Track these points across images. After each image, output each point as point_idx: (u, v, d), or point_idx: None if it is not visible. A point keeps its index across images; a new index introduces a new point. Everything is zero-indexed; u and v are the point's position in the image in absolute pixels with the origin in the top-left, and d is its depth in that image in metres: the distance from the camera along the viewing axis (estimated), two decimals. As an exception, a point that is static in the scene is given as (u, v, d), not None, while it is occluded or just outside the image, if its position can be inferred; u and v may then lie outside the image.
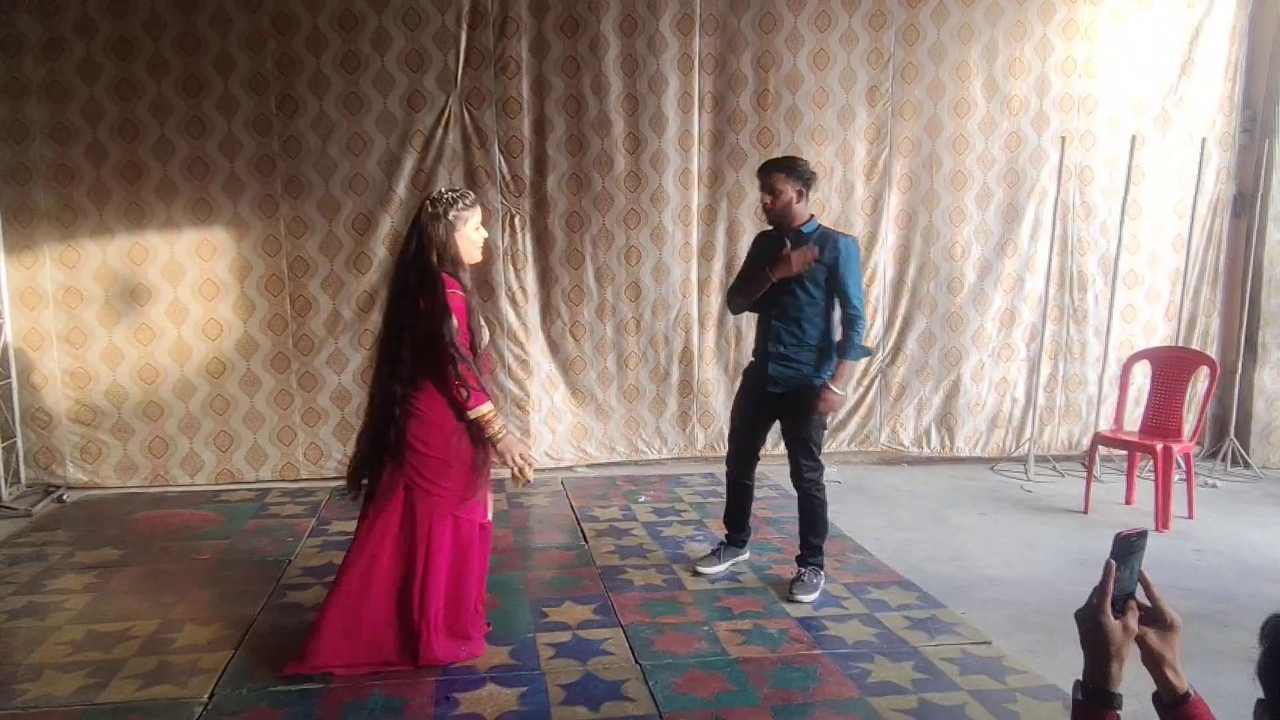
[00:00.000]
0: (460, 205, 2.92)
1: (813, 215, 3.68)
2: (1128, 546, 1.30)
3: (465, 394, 2.81)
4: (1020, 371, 6.08)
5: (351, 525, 4.42)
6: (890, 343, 5.98)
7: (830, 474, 5.63)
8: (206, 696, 2.72)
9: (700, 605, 3.56)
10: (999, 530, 4.78)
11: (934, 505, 5.22)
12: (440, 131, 5.34)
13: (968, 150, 5.85)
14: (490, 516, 3.13)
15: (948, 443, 6.08)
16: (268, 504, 4.92)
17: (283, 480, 5.40)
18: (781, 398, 3.67)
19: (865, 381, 6.02)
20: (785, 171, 3.55)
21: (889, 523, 4.86)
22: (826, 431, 3.80)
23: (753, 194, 5.69)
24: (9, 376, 5.02)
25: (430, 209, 2.89)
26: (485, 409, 2.86)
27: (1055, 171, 5.75)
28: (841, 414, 5.98)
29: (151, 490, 5.22)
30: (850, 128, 5.74)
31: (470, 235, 2.96)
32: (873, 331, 5.92)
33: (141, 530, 4.42)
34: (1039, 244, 5.94)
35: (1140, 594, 1.29)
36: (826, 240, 3.56)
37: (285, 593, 3.60)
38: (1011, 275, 5.98)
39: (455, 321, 2.80)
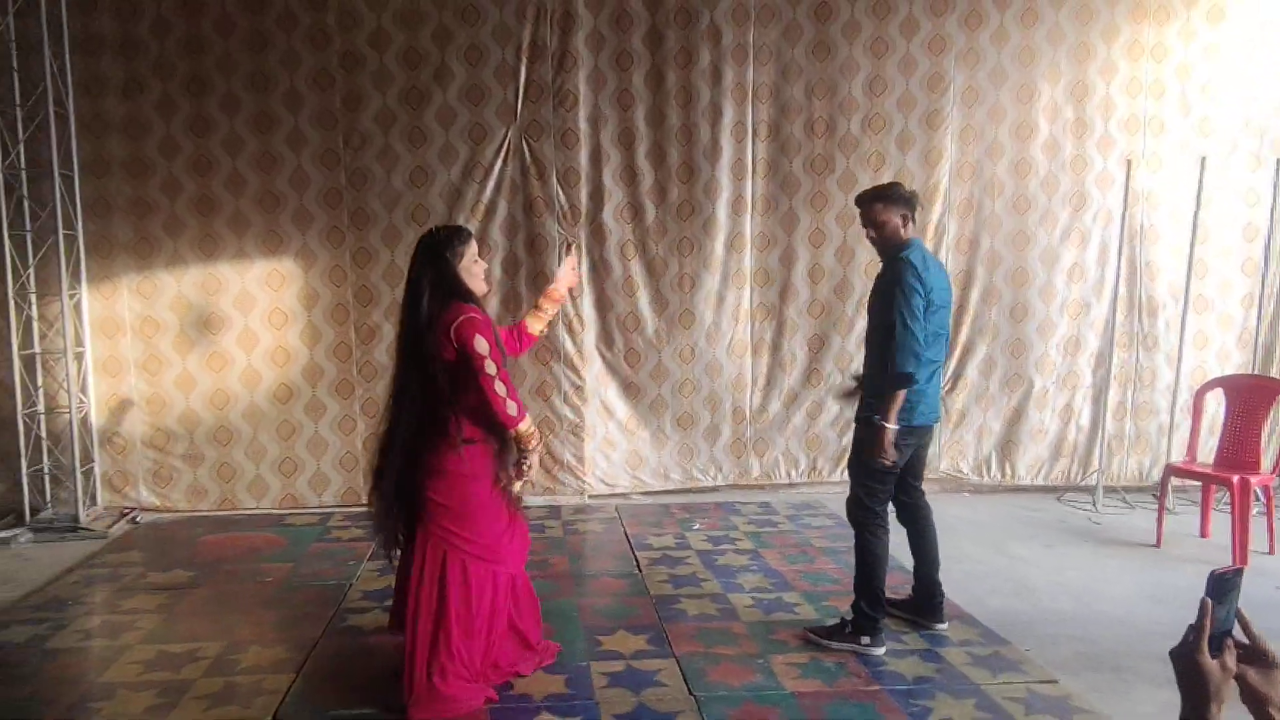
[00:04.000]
0: (458, 240, 2.92)
1: (916, 238, 3.46)
2: (1224, 585, 1.25)
3: (514, 409, 2.81)
4: (1085, 399, 5.91)
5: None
6: (950, 369, 5.87)
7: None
8: (269, 719, 2.78)
9: (755, 637, 3.52)
10: (1066, 563, 4.63)
11: (997, 536, 5.09)
12: (500, 163, 5.45)
13: (1031, 174, 5.75)
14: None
15: (1009, 471, 5.93)
16: (330, 528, 5.03)
17: (344, 505, 5.51)
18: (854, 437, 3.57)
19: (925, 409, 5.90)
20: (883, 200, 3.38)
21: (949, 554, 4.67)
22: (883, 472, 3.42)
23: (806, 221, 5.70)
24: (89, 403, 5.24)
25: (428, 250, 2.88)
26: (527, 425, 2.88)
27: (1121, 194, 5.61)
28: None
29: (219, 514, 5.37)
30: (909, 152, 5.70)
31: (471, 268, 2.94)
32: (932, 358, 5.82)
33: (209, 553, 4.55)
34: (1106, 269, 5.80)
35: (1238, 632, 1.23)
36: (901, 261, 3.32)
37: (346, 616, 3.67)
38: (1077, 301, 5.83)
39: (484, 344, 2.77)
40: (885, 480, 3.46)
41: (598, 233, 5.57)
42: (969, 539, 5.01)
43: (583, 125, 5.49)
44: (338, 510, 5.41)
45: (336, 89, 5.31)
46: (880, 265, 3.56)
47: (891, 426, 3.26)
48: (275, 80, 5.27)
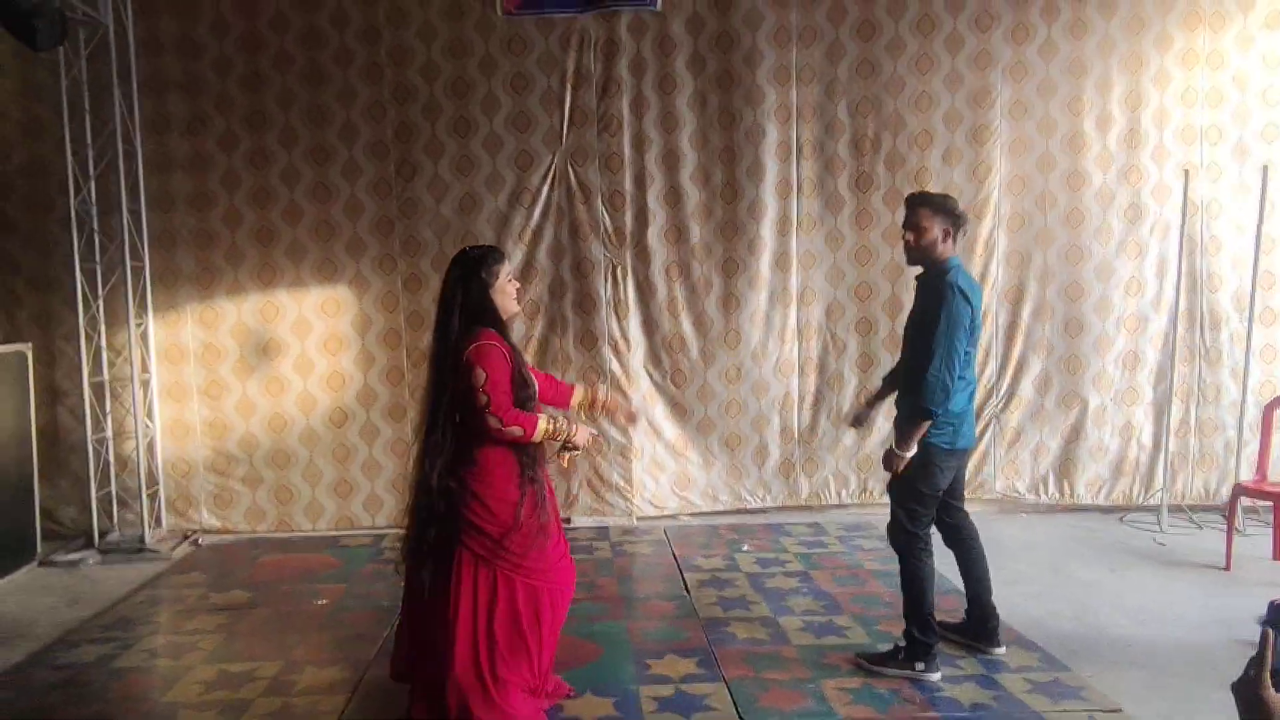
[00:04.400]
0: (490, 260, 2.90)
1: (953, 256, 3.39)
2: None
3: (520, 431, 2.80)
4: (1146, 416, 5.75)
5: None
6: (1004, 387, 5.77)
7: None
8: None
9: (805, 661, 3.49)
10: (1129, 586, 4.50)
11: (1056, 557, 4.97)
12: (546, 189, 5.53)
13: (1084, 186, 5.65)
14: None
15: (1068, 490, 5.78)
16: (382, 549, 5.12)
17: (397, 527, 5.58)
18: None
19: (980, 427, 5.80)
20: (931, 206, 3.30)
21: (1007, 576, 4.62)
22: (927, 495, 3.40)
23: (851, 239, 5.67)
24: (154, 428, 5.42)
25: (460, 271, 2.87)
26: (544, 425, 2.86)
27: (1179, 205, 5.47)
28: (953, 461, 5.79)
29: (276, 535, 5.50)
30: (956, 167, 5.64)
31: (506, 289, 2.94)
32: (984, 376, 5.73)
33: (267, 574, 4.67)
34: (1165, 281, 5.65)
35: None
36: (945, 281, 3.26)
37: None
38: (1135, 315, 5.69)
39: (483, 375, 2.75)
40: (928, 503, 3.41)
41: (643, 254, 5.61)
42: (1027, 561, 4.90)
43: (627, 149, 5.55)
44: (390, 531, 5.50)
45: (388, 121, 5.45)
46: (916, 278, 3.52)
47: (908, 455, 3.26)
48: (331, 113, 5.43)
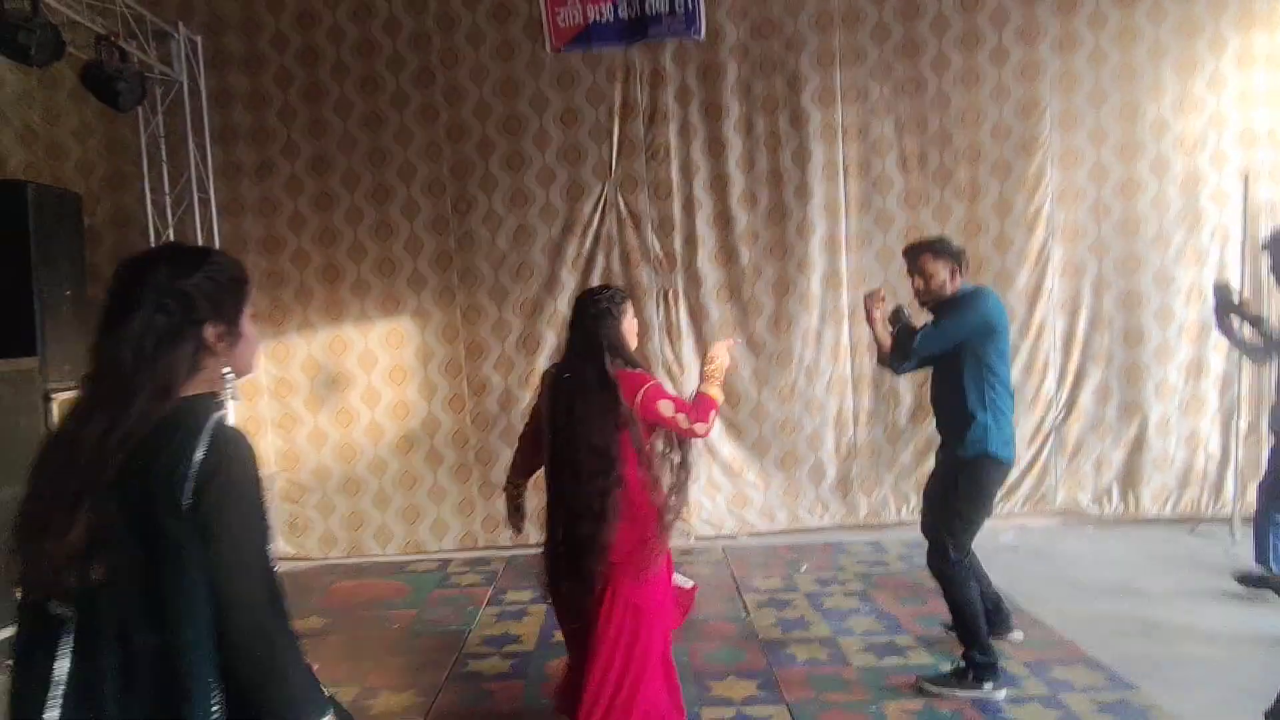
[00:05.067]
0: (618, 299, 2.95)
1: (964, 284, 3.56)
2: None
3: (713, 415, 2.88)
4: (1213, 425, 5.63)
5: (523, 595, 4.70)
6: (1063, 399, 5.71)
7: (1005, 539, 5.48)
8: (402, 762, 2.98)
9: (866, 683, 3.52)
10: (1200, 601, 4.41)
11: (1123, 572, 4.89)
12: (597, 218, 5.67)
13: (1139, 194, 5.58)
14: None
15: (1133, 502, 5.69)
16: (449, 574, 5.28)
17: (463, 549, 5.77)
18: (934, 487, 3.62)
19: (1039, 439, 5.75)
20: (933, 252, 3.47)
21: (1071, 593, 4.59)
22: (976, 523, 3.48)
23: (900, 254, 5.66)
24: (232, 460, 5.68)
25: (594, 309, 2.88)
26: (718, 371, 2.98)
27: (1239, 209, 5.37)
28: (1014, 475, 5.73)
29: (349, 561, 5.71)
30: (1006, 180, 5.62)
31: (630, 327, 2.99)
32: (1043, 388, 5.69)
33: (340, 600, 4.86)
34: (1227, 288, 5.54)
35: None
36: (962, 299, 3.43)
37: (467, 662, 3.87)
38: (1197, 323, 5.59)
39: (670, 404, 2.79)
40: (974, 531, 3.46)
41: (693, 278, 5.71)
42: (1091, 575, 4.85)
43: (675, 176, 5.66)
44: (456, 556, 5.67)
45: (444, 159, 5.66)
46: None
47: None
48: (390, 154, 5.66)
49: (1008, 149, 5.60)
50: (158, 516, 1.33)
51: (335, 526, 5.81)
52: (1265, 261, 4.50)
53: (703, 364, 3.05)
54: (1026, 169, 5.60)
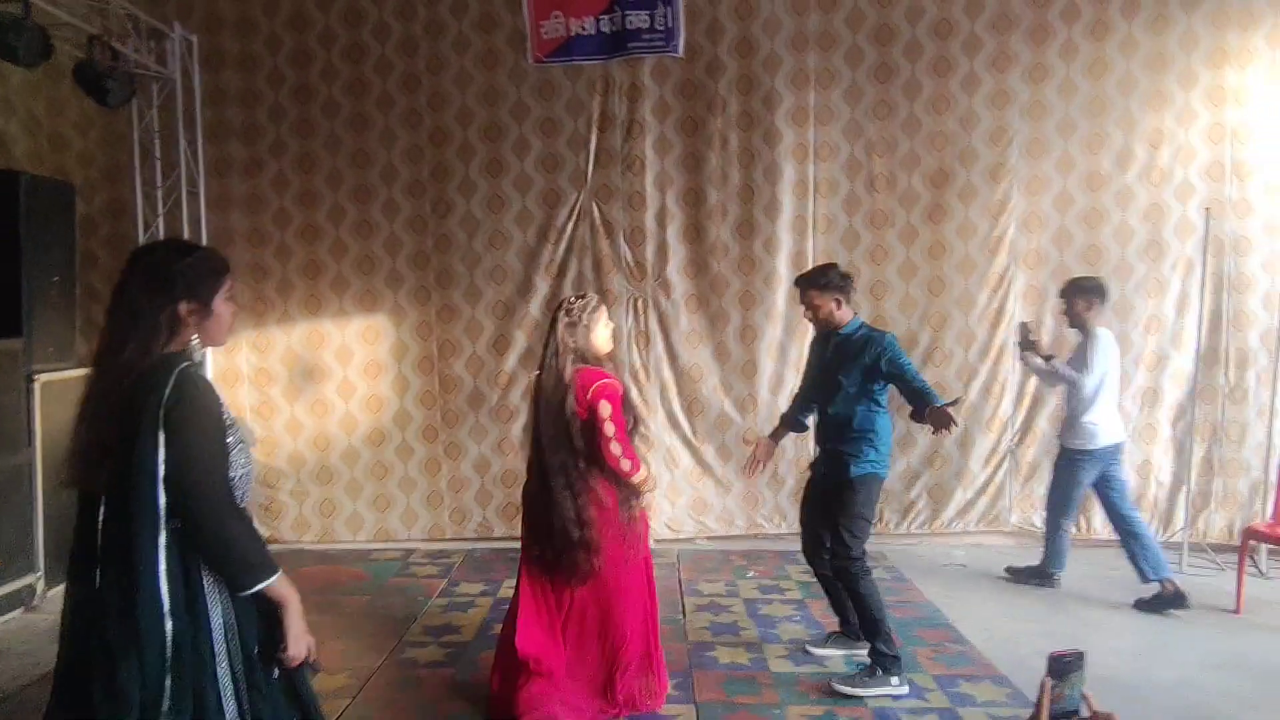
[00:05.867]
0: (590, 308, 3.32)
1: (855, 314, 3.90)
2: (1064, 666, 1.39)
3: (628, 465, 3.23)
4: (1165, 453, 5.72)
5: (474, 588, 4.89)
6: (1019, 421, 5.82)
7: (957, 556, 5.61)
8: (320, 739, 3.16)
9: (779, 688, 3.67)
10: (1130, 625, 4.53)
11: (1062, 594, 5.01)
12: (571, 225, 5.85)
13: (1102, 223, 5.68)
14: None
15: (1085, 525, 5.78)
16: (410, 564, 5.48)
17: (430, 540, 5.97)
18: (827, 487, 3.82)
19: (994, 460, 5.87)
20: (817, 287, 3.79)
21: (1006, 611, 4.72)
22: (873, 526, 3.89)
23: (867, 273, 5.81)
24: (211, 444, 5.91)
25: (567, 318, 3.27)
26: (642, 473, 3.31)
27: (1201, 243, 5.45)
28: (969, 493, 5.88)
29: (319, 547, 5.92)
30: (971, 205, 5.74)
31: (602, 332, 3.34)
32: (1000, 410, 5.80)
33: (303, 584, 4.95)
34: (1186, 319, 5.63)
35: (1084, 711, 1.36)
36: (868, 340, 3.74)
37: (405, 649, 4.06)
38: (1154, 353, 5.68)
39: (608, 408, 3.18)
40: (869, 528, 3.80)
41: (663, 287, 5.87)
42: (1031, 596, 4.97)
43: (649, 188, 5.82)
44: (421, 546, 5.87)
45: (425, 162, 5.85)
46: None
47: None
48: (374, 156, 5.86)
49: (975, 174, 5.72)
50: (142, 429, 1.79)
51: (308, 512, 6.03)
52: (1060, 306, 5.07)
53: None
54: (992, 194, 5.72)
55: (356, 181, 5.87)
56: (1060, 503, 5.05)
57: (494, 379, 5.89)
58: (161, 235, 5.66)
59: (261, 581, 1.89)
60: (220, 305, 2.01)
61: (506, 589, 4.59)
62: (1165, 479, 5.73)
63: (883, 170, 5.75)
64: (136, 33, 5.25)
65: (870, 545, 5.73)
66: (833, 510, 3.76)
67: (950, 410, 3.50)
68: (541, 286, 5.84)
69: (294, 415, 5.98)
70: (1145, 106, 5.61)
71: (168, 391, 1.81)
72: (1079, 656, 1.39)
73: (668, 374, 5.95)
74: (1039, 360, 4.91)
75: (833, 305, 3.77)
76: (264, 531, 5.87)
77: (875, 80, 5.71)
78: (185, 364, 1.89)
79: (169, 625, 1.80)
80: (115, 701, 1.77)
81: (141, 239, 5.64)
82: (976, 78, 5.66)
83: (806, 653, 4.02)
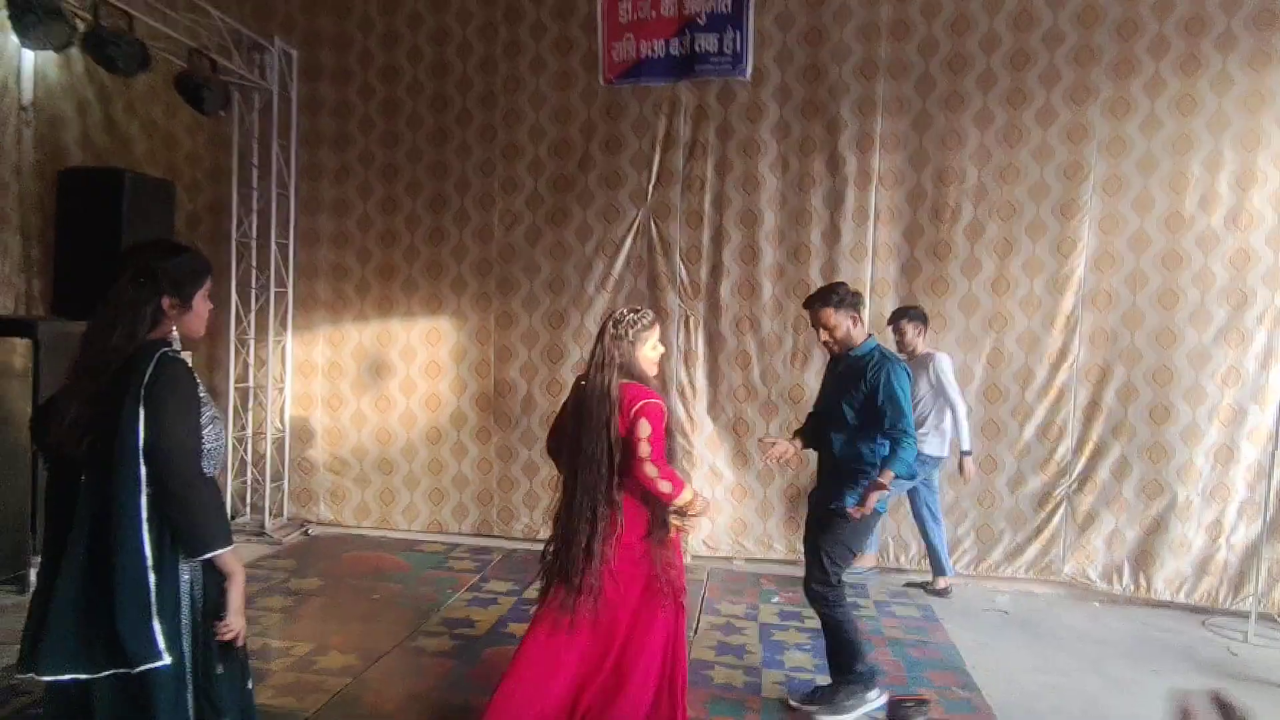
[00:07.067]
0: (641, 325, 3.04)
1: (871, 334, 3.74)
2: (903, 712, 1.43)
3: (668, 487, 2.95)
4: (1241, 515, 5.35)
5: (503, 585, 5.07)
6: (1078, 468, 5.57)
7: (1000, 602, 5.43)
8: (312, 713, 3.39)
9: (765, 712, 3.67)
10: (1164, 692, 4.27)
11: (1105, 653, 4.76)
12: (630, 241, 5.99)
13: (1181, 267, 5.38)
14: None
15: (1144, 583, 5.48)
16: (450, 558, 5.72)
17: (478, 535, 6.21)
18: (820, 514, 3.74)
19: (1049, 506, 5.64)
20: (831, 305, 3.58)
21: (1037, 664, 4.53)
22: (854, 556, 3.83)
23: (926, 305, 5.67)
24: (284, 431, 6.35)
25: (614, 330, 3.04)
26: (687, 494, 3.02)
27: (1290, 293, 5.10)
28: (1020, 537, 5.67)
29: (376, 533, 6.26)
30: (1039, 240, 5.55)
31: (648, 354, 3.08)
32: (1056, 453, 5.58)
33: (344, 568, 5.38)
34: (1270, 374, 5.27)
35: None
36: (876, 365, 3.54)
37: (418, 637, 4.27)
38: (1231, 406, 5.33)
39: (648, 427, 2.93)
40: (850, 560, 3.73)
41: (715, 307, 5.93)
42: (1070, 653, 4.74)
43: (707, 208, 5.90)
44: (466, 541, 6.12)
45: (497, 175, 6.12)
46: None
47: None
48: (450, 167, 6.18)
49: (1044, 209, 5.52)
50: (126, 404, 2.03)
51: (370, 500, 6.38)
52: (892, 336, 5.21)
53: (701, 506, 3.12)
54: (1062, 230, 5.51)
55: (433, 191, 6.19)
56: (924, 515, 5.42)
57: (546, 386, 6.09)
58: (253, 232, 6.15)
59: (214, 549, 2.10)
60: (199, 302, 2.24)
61: (532, 590, 4.71)
62: (1236, 542, 5.36)
63: (948, 200, 5.63)
64: (237, 46, 5.73)
65: (910, 579, 5.72)
66: (818, 535, 3.68)
67: (871, 500, 3.44)
68: (598, 299, 6.01)
69: (360, 408, 6.35)
70: (1237, 146, 5.29)
71: (149, 372, 2.05)
72: (922, 703, 1.41)
73: (713, 393, 5.99)
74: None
75: (849, 323, 3.58)
76: (330, 515, 6.31)
77: (945, 109, 5.60)
78: (166, 349, 2.13)
79: (151, 578, 2.04)
80: (122, 649, 2.02)
81: (234, 236, 6.13)
82: (1053, 110, 5.47)
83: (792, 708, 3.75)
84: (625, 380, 2.99)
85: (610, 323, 3.06)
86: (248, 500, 6.33)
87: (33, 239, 5.85)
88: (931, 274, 5.69)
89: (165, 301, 2.15)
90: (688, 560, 5.89)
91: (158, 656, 2.02)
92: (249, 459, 6.30)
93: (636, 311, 3.08)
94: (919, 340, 5.24)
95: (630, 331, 3.02)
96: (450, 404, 6.25)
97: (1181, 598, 5.45)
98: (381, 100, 6.25)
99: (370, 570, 5.36)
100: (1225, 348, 5.34)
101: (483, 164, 6.14)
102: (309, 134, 6.32)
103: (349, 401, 6.36)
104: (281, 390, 6.36)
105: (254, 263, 6.19)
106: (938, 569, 5.47)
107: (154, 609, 2.03)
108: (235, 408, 6.24)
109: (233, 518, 6.18)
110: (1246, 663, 4.73)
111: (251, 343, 6.25)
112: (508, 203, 6.12)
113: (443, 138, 6.18)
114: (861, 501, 3.51)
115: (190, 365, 2.19)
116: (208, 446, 2.16)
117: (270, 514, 6.18)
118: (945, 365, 5.21)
